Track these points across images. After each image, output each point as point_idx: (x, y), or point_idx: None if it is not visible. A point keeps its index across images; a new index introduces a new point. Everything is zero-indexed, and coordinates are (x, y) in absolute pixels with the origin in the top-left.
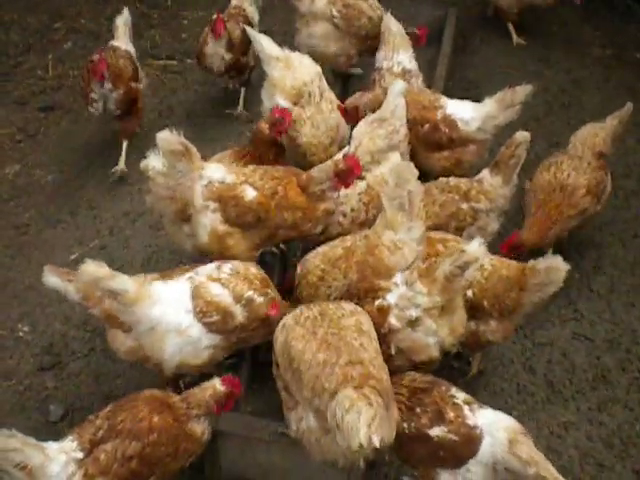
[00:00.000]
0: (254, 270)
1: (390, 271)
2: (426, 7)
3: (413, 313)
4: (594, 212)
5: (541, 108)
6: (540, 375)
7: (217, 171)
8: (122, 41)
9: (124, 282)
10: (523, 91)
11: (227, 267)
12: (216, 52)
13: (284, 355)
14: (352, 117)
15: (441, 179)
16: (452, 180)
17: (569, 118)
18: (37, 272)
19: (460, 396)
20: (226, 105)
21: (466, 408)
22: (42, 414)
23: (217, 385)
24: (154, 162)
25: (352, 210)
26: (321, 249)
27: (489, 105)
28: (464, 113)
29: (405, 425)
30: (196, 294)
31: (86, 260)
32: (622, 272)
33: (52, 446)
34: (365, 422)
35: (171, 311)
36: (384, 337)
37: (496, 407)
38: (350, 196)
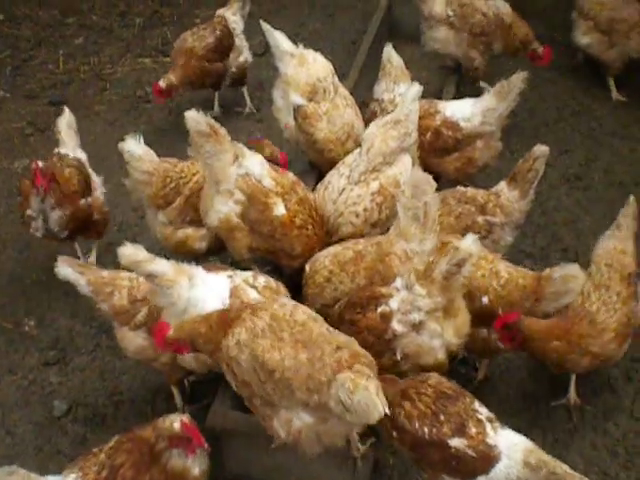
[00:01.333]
0: (283, 289)
1: None
2: None
3: (416, 316)
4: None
5: (551, 114)
6: (545, 382)
7: (257, 166)
8: (69, 146)
9: (162, 264)
10: (518, 78)
11: (262, 279)
12: None
13: (257, 370)
14: None
15: (458, 188)
16: (469, 191)
17: (579, 125)
18: (44, 267)
19: (483, 412)
20: (236, 103)
21: (488, 426)
22: (46, 409)
23: (174, 423)
24: (131, 146)
25: (365, 210)
26: (332, 249)
27: (487, 98)
28: (464, 111)
29: (426, 429)
30: (235, 293)
31: (124, 243)
32: None
33: None
34: (375, 393)
35: (209, 299)
36: (388, 343)
37: (501, 413)
38: (363, 196)
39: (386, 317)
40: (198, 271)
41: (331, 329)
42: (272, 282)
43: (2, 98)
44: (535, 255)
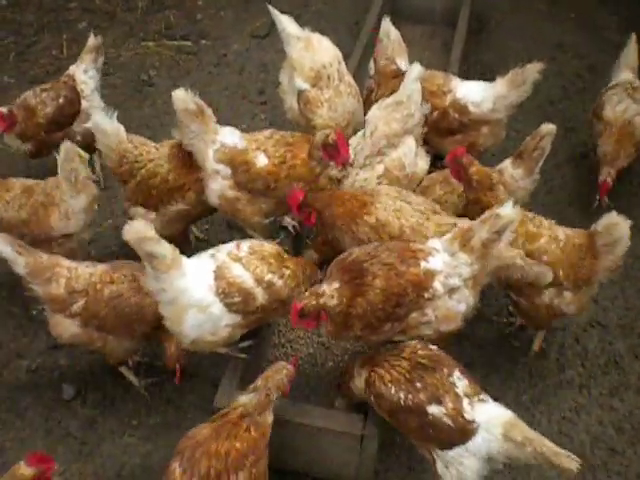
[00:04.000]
0: (268, 247)
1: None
2: None
3: (456, 282)
4: None
5: (556, 92)
6: (552, 360)
7: (230, 136)
8: None
9: (165, 248)
10: (533, 69)
11: (245, 245)
12: (13, 144)
13: None
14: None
15: None
16: None
17: (584, 103)
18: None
19: (460, 385)
20: (239, 87)
21: (465, 401)
22: (55, 392)
23: (288, 367)
24: (98, 118)
25: None
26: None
27: (500, 85)
28: (475, 95)
29: (402, 395)
30: (219, 274)
31: (135, 214)
32: (636, 259)
33: None
34: None
35: (195, 287)
36: (426, 301)
37: (508, 391)
38: (369, 180)
39: (430, 275)
40: (184, 259)
41: None
42: (255, 244)
43: (7, 84)
44: None
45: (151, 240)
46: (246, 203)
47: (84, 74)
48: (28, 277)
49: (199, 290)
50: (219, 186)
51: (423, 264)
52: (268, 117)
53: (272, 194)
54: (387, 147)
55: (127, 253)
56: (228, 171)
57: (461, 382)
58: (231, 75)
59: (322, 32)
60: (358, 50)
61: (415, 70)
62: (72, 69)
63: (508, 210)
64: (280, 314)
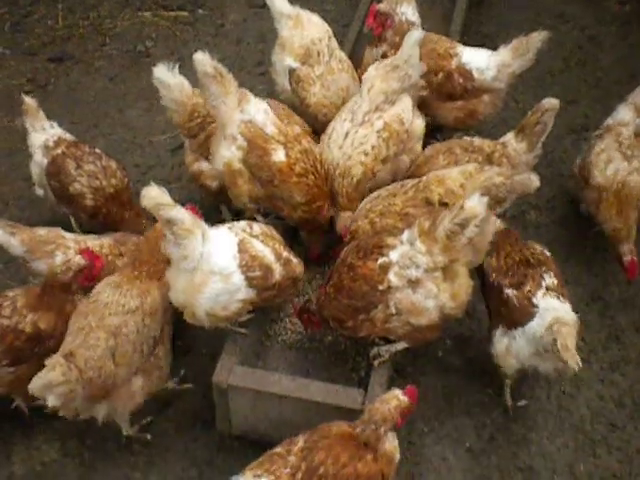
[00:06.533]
0: (275, 233)
1: None
2: None
3: (414, 273)
4: None
5: (557, 64)
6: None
7: (261, 114)
8: None
9: (182, 212)
10: (538, 37)
11: (256, 227)
12: None
13: None
14: (379, 24)
15: (465, 138)
16: (476, 140)
17: (585, 75)
18: (49, 225)
19: (548, 280)
20: (237, 58)
21: (541, 291)
22: None
23: (400, 396)
24: (160, 73)
25: (373, 147)
26: None
27: (504, 53)
28: (480, 62)
29: (494, 275)
30: (242, 247)
31: (151, 183)
32: (637, 233)
33: None
34: None
35: (220, 254)
36: (382, 295)
37: None
38: (369, 135)
39: (385, 268)
40: (205, 226)
41: None
42: (265, 227)
43: (1, 55)
44: (541, 207)
45: (167, 206)
46: (247, 180)
47: (53, 129)
48: (27, 255)
49: (224, 257)
50: (229, 154)
51: (381, 259)
52: (266, 88)
53: (270, 188)
54: (385, 103)
55: None
56: (245, 144)
57: (550, 279)
58: (229, 46)
59: (321, 3)
60: (357, 21)
61: (415, 35)
62: (39, 138)
63: (473, 203)
64: (290, 293)
